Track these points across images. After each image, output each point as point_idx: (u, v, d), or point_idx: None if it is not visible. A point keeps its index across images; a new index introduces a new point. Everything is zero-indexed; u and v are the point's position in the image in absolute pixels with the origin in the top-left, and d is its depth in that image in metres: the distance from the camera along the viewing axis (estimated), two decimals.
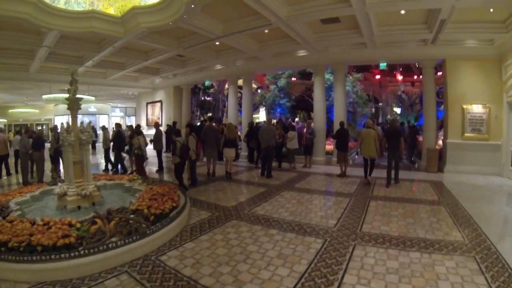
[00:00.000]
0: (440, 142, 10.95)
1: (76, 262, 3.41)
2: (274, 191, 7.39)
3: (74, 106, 5.53)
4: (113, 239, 3.84)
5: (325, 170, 10.38)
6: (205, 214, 5.58)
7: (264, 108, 20.15)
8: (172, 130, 10.06)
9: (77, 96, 5.70)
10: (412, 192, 7.20)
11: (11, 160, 10.61)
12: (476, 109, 9.45)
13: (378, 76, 20.75)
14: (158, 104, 19.02)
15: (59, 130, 6.24)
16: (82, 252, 3.49)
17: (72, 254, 3.44)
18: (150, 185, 6.17)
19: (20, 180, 9.19)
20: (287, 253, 3.84)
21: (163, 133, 12.48)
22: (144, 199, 4.97)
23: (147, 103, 19.97)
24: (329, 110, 13.92)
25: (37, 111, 28.26)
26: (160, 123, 17.29)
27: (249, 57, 12.22)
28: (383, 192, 7.12)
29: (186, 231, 4.66)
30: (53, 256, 3.39)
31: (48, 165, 9.57)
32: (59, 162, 9.55)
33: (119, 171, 10.31)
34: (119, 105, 29.98)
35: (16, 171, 10.52)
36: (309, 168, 10.81)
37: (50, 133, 9.80)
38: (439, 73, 12.87)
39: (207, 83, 17.61)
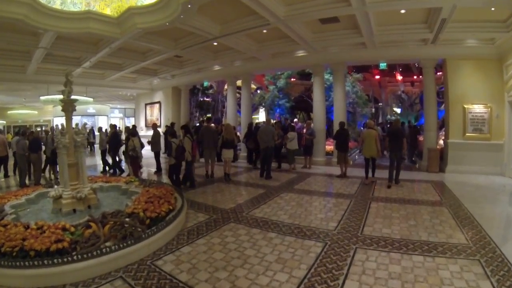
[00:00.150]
0: (441, 142, 10.86)
1: (69, 268, 3.32)
2: (273, 192, 7.29)
3: (68, 107, 5.43)
4: (108, 244, 3.75)
5: (325, 171, 10.29)
6: (203, 216, 5.48)
7: (263, 108, 20.06)
8: (170, 131, 9.97)
9: (72, 97, 5.60)
10: (414, 193, 7.09)
11: (10, 162, 10.51)
12: (477, 108, 9.36)
13: (377, 76, 20.69)
14: (157, 105, 18.94)
15: (55, 132, 6.16)
16: (75, 257, 3.39)
17: (65, 260, 3.34)
18: (147, 188, 6.07)
19: (13, 183, 9.10)
20: (286, 258, 3.74)
21: (161, 134, 12.37)
22: (140, 202, 4.87)
23: (146, 104, 19.89)
24: (329, 110, 13.83)
25: (36, 112, 28.20)
26: (159, 124, 17.20)
27: (247, 57, 12.14)
28: (384, 193, 7.02)
29: (183, 235, 4.56)
30: (45, 262, 3.30)
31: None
32: (56, 164, 9.45)
33: (117, 172, 10.21)
34: (118, 106, 29.93)
35: (15, 173, 10.43)
36: (309, 169, 10.72)
37: (46, 135, 9.70)
38: (439, 73, 12.80)
39: (205, 83, 17.52)
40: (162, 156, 11.39)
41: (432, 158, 9.82)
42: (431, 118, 10.38)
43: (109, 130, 10.82)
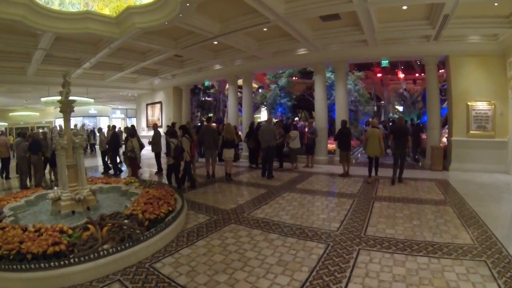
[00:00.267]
0: (444, 139, 10.74)
1: (66, 271, 3.28)
2: (275, 192, 7.21)
3: (66, 108, 5.37)
4: (106, 246, 3.68)
5: (327, 170, 10.21)
6: (203, 217, 5.41)
7: (265, 108, 19.98)
8: (170, 131, 9.90)
9: (70, 98, 5.54)
10: (418, 192, 6.98)
11: (12, 164, 10.49)
12: (481, 106, 9.23)
13: (379, 74, 20.57)
14: (158, 105, 18.89)
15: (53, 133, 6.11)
16: (72, 260, 3.34)
17: (62, 263, 3.29)
18: (147, 189, 6.00)
19: (17, 184, 9.05)
20: (288, 260, 3.65)
21: (162, 134, 12.32)
22: (139, 203, 4.81)
23: (147, 105, 19.86)
24: (331, 109, 13.72)
25: (38, 114, 28.19)
26: (160, 124, 17.16)
27: (248, 56, 12.05)
28: (387, 192, 6.92)
29: (182, 236, 4.49)
30: (42, 265, 3.25)
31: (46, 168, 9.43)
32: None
33: (118, 173, 10.16)
34: (120, 106, 29.90)
35: (18, 174, 10.40)
36: (311, 168, 10.64)
37: (44, 137, 9.67)
38: (441, 71, 12.66)
39: (206, 83, 17.45)
40: (163, 156, 11.33)
41: (436, 156, 9.70)
42: (434, 116, 10.26)
43: (106, 131, 10.74)
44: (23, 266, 3.23)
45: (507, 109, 8.91)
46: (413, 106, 20.98)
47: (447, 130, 10.67)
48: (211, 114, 18.84)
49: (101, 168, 11.66)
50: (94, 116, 27.92)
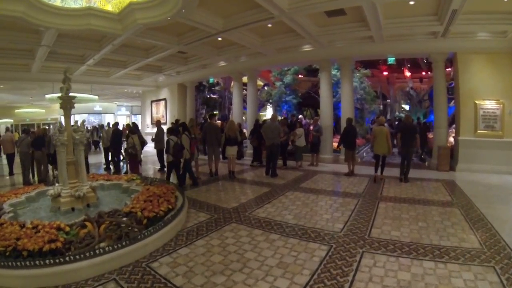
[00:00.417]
0: (451, 139, 10.51)
1: (62, 269, 3.23)
2: (278, 191, 7.10)
3: (67, 105, 5.31)
4: (102, 244, 3.62)
5: (332, 168, 10.08)
6: (204, 216, 5.33)
7: (271, 105, 19.83)
8: (175, 128, 9.82)
9: (71, 94, 5.48)
10: (424, 193, 6.81)
11: (17, 160, 10.52)
12: (489, 104, 8.98)
13: (385, 73, 20.30)
14: (163, 102, 18.84)
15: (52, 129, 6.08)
16: (68, 258, 3.28)
17: (57, 260, 3.24)
18: (148, 186, 5.94)
19: (21, 180, 9.06)
20: (288, 262, 3.54)
21: (165, 131, 12.25)
22: (139, 201, 4.75)
23: (152, 101, 19.83)
24: (336, 106, 13.55)
25: (43, 110, 28.40)
26: (165, 121, 17.12)
27: (252, 52, 11.92)
28: (393, 193, 6.77)
29: (182, 235, 4.41)
30: (37, 262, 3.20)
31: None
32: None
33: (119, 169, 10.14)
34: (125, 103, 29.97)
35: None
36: (316, 166, 10.50)
37: (46, 133, 9.68)
38: (448, 69, 12.39)
39: (211, 80, 17.36)
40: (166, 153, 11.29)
41: (442, 156, 9.48)
42: (441, 115, 10.02)
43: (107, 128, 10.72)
44: (18, 263, 3.19)
45: None
46: (420, 105, 20.68)
47: (454, 130, 10.44)
48: (216, 111, 18.74)
49: (104, 165, 11.68)
50: (99, 113, 28.03)
